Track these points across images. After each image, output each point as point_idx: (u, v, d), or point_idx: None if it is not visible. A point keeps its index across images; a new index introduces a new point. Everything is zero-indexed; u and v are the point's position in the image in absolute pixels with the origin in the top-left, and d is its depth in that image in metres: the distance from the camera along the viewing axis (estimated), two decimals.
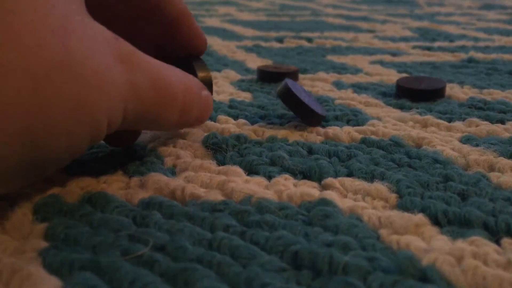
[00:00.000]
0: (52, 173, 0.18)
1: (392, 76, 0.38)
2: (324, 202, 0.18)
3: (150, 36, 0.22)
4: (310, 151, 0.23)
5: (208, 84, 0.23)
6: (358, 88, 0.35)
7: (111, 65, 0.16)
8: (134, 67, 0.17)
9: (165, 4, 0.22)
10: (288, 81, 0.26)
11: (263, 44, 0.53)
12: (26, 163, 0.15)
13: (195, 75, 0.23)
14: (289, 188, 0.19)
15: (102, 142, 0.24)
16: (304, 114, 0.26)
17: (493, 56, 0.46)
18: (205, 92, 0.22)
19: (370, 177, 0.20)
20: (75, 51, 0.15)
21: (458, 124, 0.27)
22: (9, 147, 0.14)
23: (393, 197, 0.19)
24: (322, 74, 0.39)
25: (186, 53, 0.23)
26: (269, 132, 0.25)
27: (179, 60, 0.23)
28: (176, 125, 0.20)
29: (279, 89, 0.26)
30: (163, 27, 0.22)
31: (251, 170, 0.21)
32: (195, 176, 0.20)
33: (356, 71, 0.40)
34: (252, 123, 0.27)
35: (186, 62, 0.23)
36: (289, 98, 0.26)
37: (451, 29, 0.64)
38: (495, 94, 0.33)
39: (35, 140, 0.14)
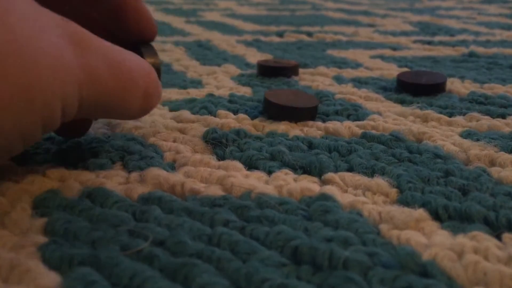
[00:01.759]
0: (4, 163, 0.17)
1: (392, 71, 0.38)
2: (324, 197, 0.18)
3: (97, 21, 0.22)
4: (310, 145, 0.23)
5: (157, 70, 0.22)
6: (359, 82, 0.35)
7: (61, 47, 0.15)
8: (87, 50, 0.16)
9: None
10: (266, 93, 0.27)
11: (263, 38, 0.53)
12: None
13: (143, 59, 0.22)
14: (289, 183, 0.19)
15: (101, 137, 0.24)
16: (288, 114, 0.26)
17: (494, 50, 0.46)
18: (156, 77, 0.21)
19: (370, 172, 0.20)
20: (17, 31, 0.14)
21: (458, 118, 0.27)
22: None
23: (393, 192, 0.19)
24: (322, 69, 0.38)
25: (136, 39, 0.23)
26: (269, 127, 0.25)
27: (127, 45, 0.22)
28: (139, 113, 0.19)
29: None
30: (109, 11, 0.21)
31: (251, 165, 0.21)
32: (195, 171, 0.20)
33: (357, 65, 0.40)
34: (252, 118, 0.27)
35: (135, 48, 0.22)
36: (269, 106, 0.26)
37: (452, 23, 0.64)
38: (496, 89, 0.33)
39: None
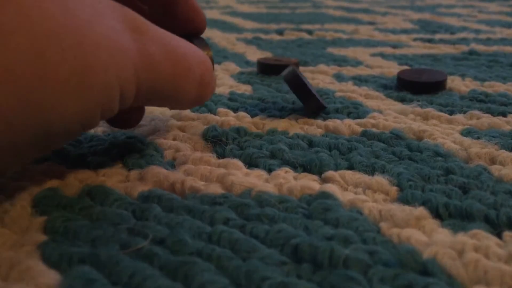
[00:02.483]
0: (61, 147, 0.17)
1: (393, 69, 0.38)
2: (324, 195, 0.18)
3: (146, 13, 0.22)
4: (311, 144, 0.23)
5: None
6: (359, 80, 0.35)
7: (120, 32, 0.15)
8: (144, 35, 0.16)
9: None
10: (295, 68, 0.26)
11: (263, 36, 0.53)
12: (35, 130, 0.14)
13: None
14: (289, 181, 0.19)
15: (101, 135, 0.24)
16: (308, 99, 0.26)
17: (495, 48, 0.46)
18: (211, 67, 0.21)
19: (370, 170, 0.20)
20: (77, 13, 0.14)
21: (459, 116, 0.27)
22: (14, 112, 0.13)
23: (393, 190, 0.19)
24: (322, 67, 0.38)
25: (185, 31, 0.22)
26: (269, 125, 0.25)
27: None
28: (195, 100, 0.19)
29: (285, 73, 0.26)
30: (160, 3, 0.21)
31: (251, 163, 0.21)
32: (195, 169, 0.20)
33: (357, 63, 0.40)
34: (252, 116, 0.27)
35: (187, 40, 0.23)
36: (295, 81, 0.26)
37: (452, 21, 0.64)
38: (496, 87, 0.33)
39: (41, 105, 0.14)
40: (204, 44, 0.22)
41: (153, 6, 0.22)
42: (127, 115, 0.22)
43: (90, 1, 0.15)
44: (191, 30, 0.22)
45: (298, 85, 0.26)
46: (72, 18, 0.14)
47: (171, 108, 0.21)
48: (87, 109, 0.15)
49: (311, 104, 0.26)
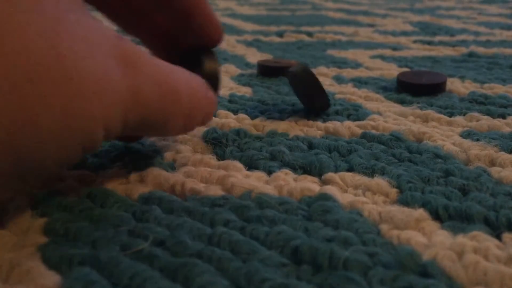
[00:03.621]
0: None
1: (392, 71, 0.38)
2: (324, 197, 0.18)
3: (161, 24, 0.21)
4: (311, 145, 0.23)
5: (214, 78, 0.22)
6: (359, 82, 0.35)
7: (110, 69, 0.15)
8: (137, 71, 0.16)
9: None
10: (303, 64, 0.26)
11: (263, 38, 0.53)
12: (10, 174, 0.14)
13: (202, 67, 0.22)
14: (289, 183, 0.19)
15: None
16: (320, 95, 0.26)
17: (494, 50, 0.46)
18: (210, 93, 0.20)
19: (370, 172, 0.20)
20: (66, 54, 0.13)
21: (459, 118, 0.27)
22: None
23: (393, 192, 0.19)
24: (322, 69, 0.38)
25: (199, 43, 0.22)
26: (269, 126, 0.25)
27: (189, 50, 0.22)
28: (181, 131, 0.19)
29: (296, 69, 0.25)
30: (176, 15, 0.21)
31: (251, 165, 0.21)
32: (195, 171, 0.20)
33: (357, 65, 0.40)
34: (252, 118, 0.27)
35: (196, 53, 0.22)
36: (308, 77, 0.25)
37: (452, 23, 0.64)
38: (496, 89, 0.33)
39: (20, 151, 0.13)
40: (213, 59, 0.22)
41: (169, 19, 0.21)
42: (128, 136, 0.22)
43: (82, 33, 0.14)
44: (206, 43, 0.22)
45: (311, 81, 0.25)
46: (58, 58, 0.13)
47: (156, 136, 0.21)
48: (68, 153, 0.15)
49: (322, 100, 0.26)
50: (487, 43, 0.50)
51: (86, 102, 0.14)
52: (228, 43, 0.50)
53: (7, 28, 0.13)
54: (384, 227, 0.16)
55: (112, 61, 0.15)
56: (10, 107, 0.13)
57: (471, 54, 0.44)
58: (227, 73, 0.38)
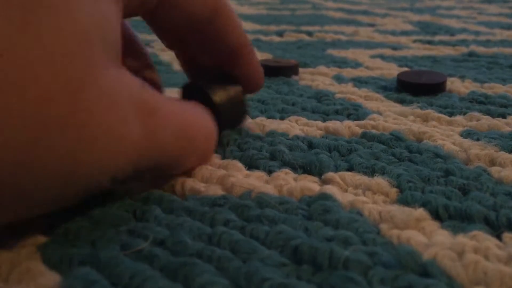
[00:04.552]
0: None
1: (392, 70, 0.38)
2: (324, 196, 0.18)
3: (206, 61, 0.22)
4: (311, 145, 0.23)
5: (218, 111, 0.21)
6: (359, 82, 0.35)
7: (129, 121, 0.15)
8: (154, 118, 0.16)
9: (227, 35, 0.21)
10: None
11: (263, 38, 0.53)
12: (6, 207, 0.14)
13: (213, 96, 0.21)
14: (289, 182, 0.19)
15: None
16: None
17: (494, 50, 0.46)
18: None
19: (370, 172, 0.20)
20: (85, 107, 0.13)
21: (459, 118, 0.27)
22: None
23: (393, 191, 0.19)
24: (322, 68, 0.38)
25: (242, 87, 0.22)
26: (269, 126, 0.25)
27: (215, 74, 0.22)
28: (190, 169, 0.20)
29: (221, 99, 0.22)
30: (221, 61, 0.22)
31: (251, 165, 0.21)
32: (195, 171, 0.20)
33: (357, 65, 0.40)
34: (252, 117, 0.27)
35: (221, 80, 0.22)
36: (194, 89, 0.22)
37: (452, 23, 0.64)
38: (496, 88, 0.33)
39: (19, 189, 0.13)
40: (225, 93, 0.22)
41: (213, 62, 0.22)
42: None
43: (111, 87, 0.14)
44: (246, 87, 0.23)
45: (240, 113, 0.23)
46: (76, 111, 0.13)
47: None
48: (70, 193, 0.14)
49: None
50: (487, 43, 0.50)
51: (94, 149, 0.14)
52: None
53: (32, 76, 0.12)
54: (384, 227, 0.16)
55: (131, 109, 0.15)
56: (19, 149, 0.12)
57: (471, 54, 0.44)
58: None
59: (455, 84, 0.33)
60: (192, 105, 0.19)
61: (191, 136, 0.18)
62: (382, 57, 0.43)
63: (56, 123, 0.13)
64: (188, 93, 0.23)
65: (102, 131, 0.14)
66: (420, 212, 0.17)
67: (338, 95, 0.31)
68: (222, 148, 0.23)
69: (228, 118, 0.22)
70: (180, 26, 0.20)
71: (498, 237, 0.16)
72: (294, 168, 0.21)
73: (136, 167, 0.16)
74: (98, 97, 0.14)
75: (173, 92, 0.32)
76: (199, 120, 0.19)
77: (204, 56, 0.22)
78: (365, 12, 0.76)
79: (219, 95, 0.22)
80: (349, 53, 0.45)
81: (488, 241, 0.15)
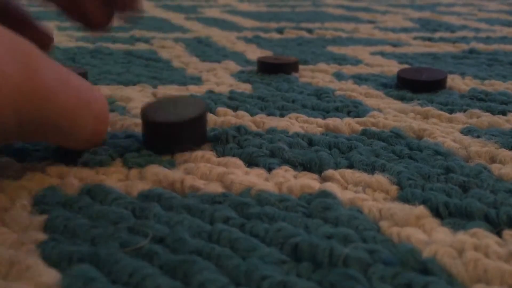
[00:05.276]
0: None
1: (393, 67, 0.38)
2: (324, 194, 0.18)
3: None
4: (311, 142, 0.23)
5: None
6: (359, 79, 0.35)
7: (4, 57, 0.14)
8: (38, 64, 0.15)
9: (10, 8, 0.22)
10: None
11: (263, 35, 0.53)
12: None
13: None
14: (289, 180, 0.19)
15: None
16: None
17: (495, 47, 0.46)
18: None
19: (370, 169, 0.20)
20: None
21: (459, 115, 0.27)
22: None
23: (393, 189, 0.19)
24: (322, 65, 0.38)
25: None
26: (269, 123, 0.25)
27: None
28: (90, 137, 0.19)
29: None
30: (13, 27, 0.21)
31: (251, 162, 0.21)
32: (195, 168, 0.20)
33: (357, 62, 0.40)
34: (252, 115, 0.27)
35: None
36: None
37: (452, 20, 0.64)
38: (496, 85, 0.33)
39: None
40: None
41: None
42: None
43: None
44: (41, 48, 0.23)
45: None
46: None
47: (65, 145, 0.19)
48: None
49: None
50: (487, 40, 0.50)
51: None
52: (228, 40, 0.50)
53: None
54: (384, 224, 0.16)
55: (6, 48, 0.15)
56: None
57: (471, 51, 0.44)
58: (227, 70, 0.37)
59: (455, 81, 0.33)
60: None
61: (79, 89, 0.17)
62: (382, 54, 0.43)
63: None
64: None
65: None
66: (420, 209, 0.17)
67: (338, 92, 0.31)
68: (221, 145, 0.23)
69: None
70: None
71: (499, 234, 0.16)
72: (294, 166, 0.21)
73: (20, 116, 0.15)
74: None
75: (171, 89, 0.32)
76: (85, 80, 0.18)
77: None
78: (365, 9, 0.76)
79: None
80: (349, 50, 0.45)
81: (488, 238, 0.15)
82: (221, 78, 0.35)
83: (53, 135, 0.18)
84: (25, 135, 0.16)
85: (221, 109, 0.27)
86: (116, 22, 0.25)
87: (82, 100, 0.17)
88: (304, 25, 0.59)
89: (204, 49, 0.45)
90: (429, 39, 0.50)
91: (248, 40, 0.50)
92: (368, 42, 0.49)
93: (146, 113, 0.22)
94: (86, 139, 0.19)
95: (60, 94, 0.16)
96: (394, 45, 0.47)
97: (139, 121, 0.25)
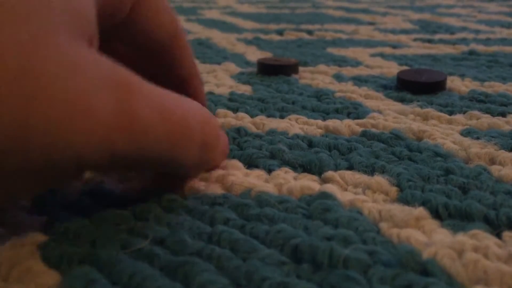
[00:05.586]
0: None
1: (392, 69, 0.38)
2: (324, 195, 0.18)
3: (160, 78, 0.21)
4: (310, 144, 0.23)
5: None
6: (359, 80, 0.35)
7: (97, 91, 0.13)
8: (133, 96, 0.14)
9: (180, 63, 0.21)
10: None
11: (263, 36, 0.53)
12: None
13: None
14: (289, 181, 0.19)
15: None
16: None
17: (494, 48, 0.46)
18: (221, 131, 0.19)
19: (370, 170, 0.20)
20: (39, 67, 0.12)
21: (459, 117, 0.27)
22: None
23: (393, 190, 0.19)
24: (322, 67, 0.38)
25: None
26: (269, 125, 0.25)
27: None
28: (196, 167, 0.18)
29: None
30: (169, 84, 0.19)
31: (251, 163, 0.21)
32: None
33: (357, 63, 0.40)
34: (252, 116, 0.27)
35: None
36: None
37: (452, 21, 0.64)
38: (496, 87, 0.33)
39: None
40: None
41: (165, 83, 0.19)
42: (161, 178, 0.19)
43: (73, 55, 0.13)
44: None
45: None
46: (32, 71, 0.11)
47: (174, 173, 0.18)
48: (21, 181, 0.12)
49: None
50: (487, 41, 0.50)
51: (51, 117, 0.12)
52: (228, 41, 0.50)
53: None
54: (384, 226, 0.16)
55: (101, 81, 0.13)
56: None
57: (471, 52, 0.44)
58: (227, 72, 0.37)
59: (455, 83, 0.33)
60: (179, 95, 0.17)
61: (180, 118, 0.15)
62: (382, 55, 0.43)
63: (3, 79, 0.11)
64: None
65: (61, 98, 0.12)
66: (420, 211, 0.17)
67: (338, 94, 0.31)
68: None
69: None
70: (139, 45, 0.19)
71: (498, 235, 0.16)
72: (294, 167, 0.21)
73: (113, 152, 0.13)
74: (57, 62, 0.12)
75: None
76: (190, 103, 0.16)
77: (154, 81, 0.20)
78: (365, 11, 0.76)
79: None
80: (349, 52, 0.45)
81: (488, 240, 0.15)
82: (221, 80, 0.35)
83: (155, 167, 0.16)
84: (118, 166, 0.15)
85: (221, 111, 0.27)
86: None
87: (183, 131, 0.16)
88: (304, 26, 0.59)
89: (204, 51, 0.45)
90: (429, 41, 0.50)
91: (248, 42, 0.50)
92: (368, 43, 0.49)
93: None
94: (195, 168, 0.18)
95: (158, 129, 0.14)
96: (394, 47, 0.47)
97: None
